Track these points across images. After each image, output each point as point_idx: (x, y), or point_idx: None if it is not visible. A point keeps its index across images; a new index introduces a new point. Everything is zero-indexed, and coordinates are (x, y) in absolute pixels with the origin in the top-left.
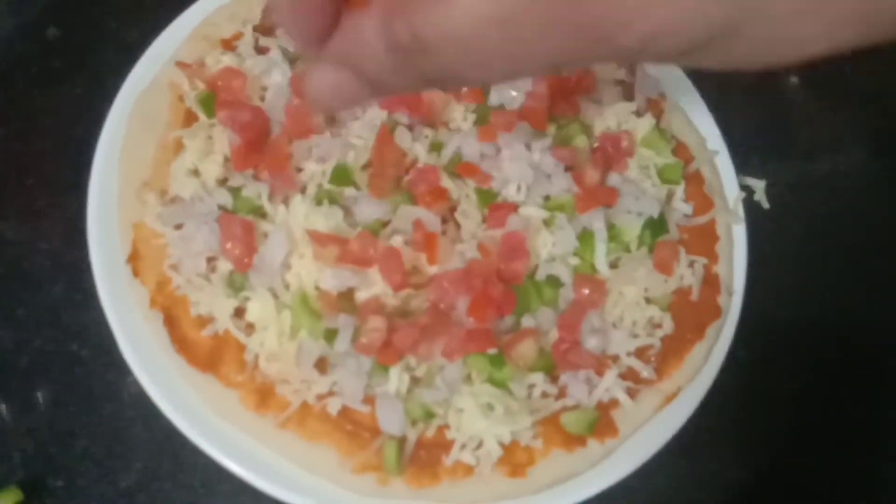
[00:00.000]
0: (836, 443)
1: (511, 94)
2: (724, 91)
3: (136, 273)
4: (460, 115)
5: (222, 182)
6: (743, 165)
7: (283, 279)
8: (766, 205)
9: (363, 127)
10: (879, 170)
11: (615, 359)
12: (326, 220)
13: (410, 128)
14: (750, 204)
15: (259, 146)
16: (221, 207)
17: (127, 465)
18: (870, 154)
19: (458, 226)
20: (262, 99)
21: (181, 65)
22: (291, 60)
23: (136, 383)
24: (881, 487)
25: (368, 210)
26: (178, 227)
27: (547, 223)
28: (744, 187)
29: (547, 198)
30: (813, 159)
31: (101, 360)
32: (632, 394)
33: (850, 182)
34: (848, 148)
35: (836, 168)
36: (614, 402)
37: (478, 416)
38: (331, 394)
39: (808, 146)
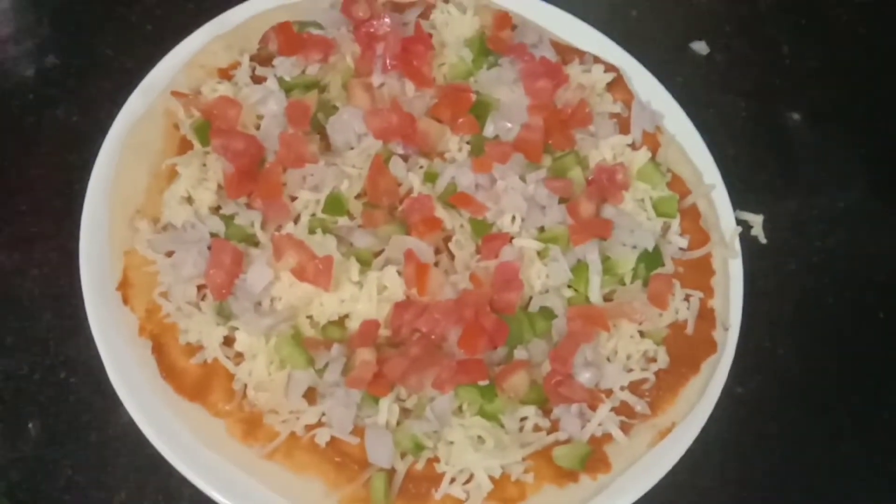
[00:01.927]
0: (835, 483)
1: (506, 126)
2: (723, 126)
3: (125, 300)
4: (455, 145)
5: (215, 210)
6: (741, 200)
7: (271, 304)
8: (763, 240)
9: (358, 156)
10: (879, 207)
11: (609, 393)
12: (319, 248)
13: (405, 158)
14: (747, 238)
15: (253, 174)
16: (214, 235)
17: (111, 496)
18: (869, 191)
19: (451, 256)
20: (258, 127)
21: (177, 94)
22: (287, 90)
23: (123, 412)
24: None
25: (361, 240)
26: (170, 254)
27: (541, 255)
28: (741, 222)
29: (541, 229)
30: (812, 195)
31: (89, 388)
32: (625, 429)
33: (849, 218)
34: (848, 185)
35: (834, 204)
36: (607, 437)
37: (468, 449)
38: (319, 424)
39: (808, 182)
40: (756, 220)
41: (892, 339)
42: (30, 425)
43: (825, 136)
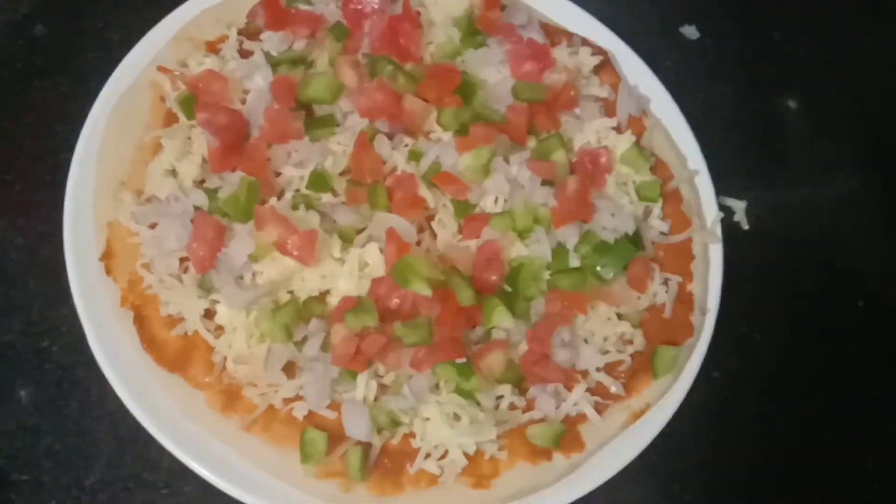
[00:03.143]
0: (810, 471)
1: (492, 107)
2: (709, 112)
3: (108, 271)
4: None
5: (199, 183)
6: (724, 187)
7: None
8: (745, 226)
9: (343, 133)
10: (862, 196)
11: (584, 374)
12: (302, 224)
13: (390, 136)
14: (729, 224)
15: (237, 149)
16: (197, 208)
17: (91, 463)
18: (853, 180)
19: (434, 235)
20: (244, 102)
21: (163, 69)
22: (274, 65)
23: (104, 381)
24: None
25: (344, 217)
26: (153, 226)
27: (522, 236)
28: (724, 208)
29: None
30: (796, 183)
31: (70, 357)
32: (600, 409)
33: (832, 207)
34: (832, 174)
35: (817, 193)
36: (582, 417)
37: (444, 426)
38: (297, 398)
39: (792, 170)
40: (739, 207)
41: (871, 327)
42: (11, 392)
43: (812, 125)
